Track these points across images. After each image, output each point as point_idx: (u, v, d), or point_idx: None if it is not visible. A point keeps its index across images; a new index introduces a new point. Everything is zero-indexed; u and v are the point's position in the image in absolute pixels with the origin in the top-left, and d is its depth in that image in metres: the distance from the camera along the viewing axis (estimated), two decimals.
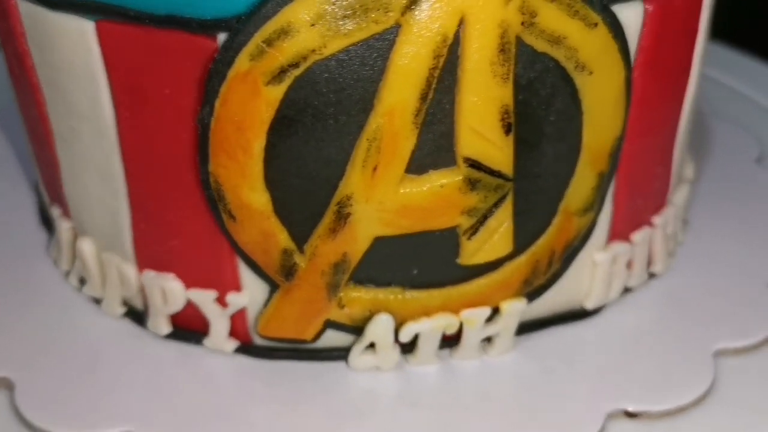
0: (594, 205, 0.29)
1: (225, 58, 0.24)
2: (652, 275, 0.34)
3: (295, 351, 0.30)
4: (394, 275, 0.28)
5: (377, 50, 0.24)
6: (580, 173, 0.28)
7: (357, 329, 0.29)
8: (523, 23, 0.24)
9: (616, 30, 0.26)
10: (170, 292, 0.30)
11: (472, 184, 0.26)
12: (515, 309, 0.29)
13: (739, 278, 0.34)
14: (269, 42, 0.23)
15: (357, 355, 0.29)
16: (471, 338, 0.29)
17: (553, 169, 0.28)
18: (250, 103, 0.24)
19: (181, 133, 0.26)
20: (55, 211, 0.33)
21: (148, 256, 0.30)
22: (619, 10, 0.26)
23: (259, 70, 0.24)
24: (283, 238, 0.27)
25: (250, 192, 0.26)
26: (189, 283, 0.30)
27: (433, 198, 0.26)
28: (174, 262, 0.29)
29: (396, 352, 0.29)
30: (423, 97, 0.24)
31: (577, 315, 0.32)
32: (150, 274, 0.30)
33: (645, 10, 0.27)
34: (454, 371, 0.30)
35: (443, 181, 0.26)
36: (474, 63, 0.24)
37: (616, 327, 0.32)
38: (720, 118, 0.45)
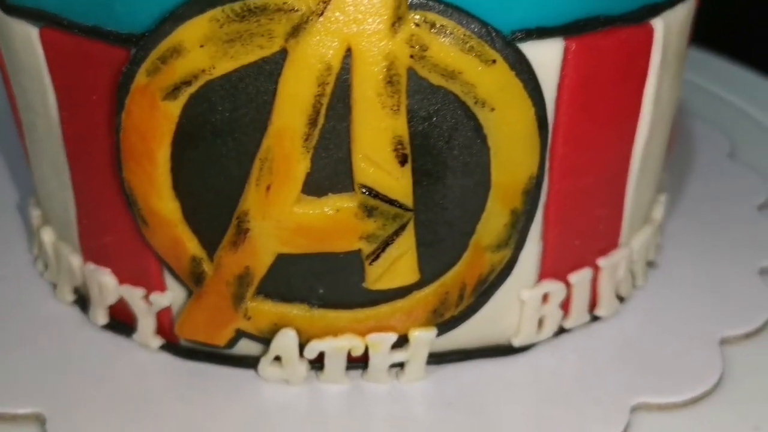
0: (509, 242, 0.28)
1: (129, 72, 0.25)
2: (596, 318, 0.33)
3: (214, 355, 0.31)
4: (301, 292, 0.29)
5: (266, 74, 0.24)
6: (490, 209, 0.28)
7: (267, 340, 0.30)
8: (412, 56, 0.24)
9: (520, 68, 0.25)
10: (105, 285, 0.31)
11: (368, 211, 0.26)
12: (423, 338, 0.29)
13: (690, 332, 0.33)
14: (163, 59, 0.24)
15: (265, 367, 0.30)
16: (378, 362, 0.30)
17: (460, 203, 0.27)
18: (150, 116, 0.25)
19: (105, 138, 0.28)
20: (31, 200, 0.36)
21: (90, 249, 0.32)
22: (530, 47, 0.26)
23: (156, 85, 0.25)
24: (192, 245, 0.28)
25: (158, 200, 0.27)
26: (122, 279, 0.31)
27: (330, 221, 0.27)
28: (109, 258, 0.31)
29: (303, 367, 0.30)
30: (311, 123, 0.25)
31: (504, 351, 0.31)
32: (90, 267, 0.32)
33: (566, 48, 0.27)
34: (364, 393, 0.30)
35: (340, 205, 0.26)
36: (362, 93, 0.24)
37: (539, 368, 0.31)
38: (692, 115, 0.48)
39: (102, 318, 0.32)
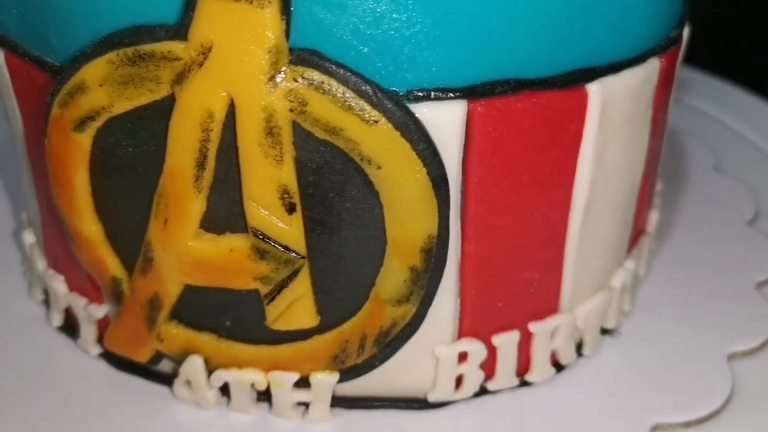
0: (411, 298, 0.28)
1: (50, 102, 0.27)
2: (526, 383, 0.32)
3: (142, 369, 0.32)
4: (210, 322, 0.29)
5: (159, 115, 0.25)
6: (388, 264, 0.27)
7: (180, 363, 0.31)
8: (292, 110, 0.24)
9: (406, 128, 0.25)
10: (56, 291, 0.34)
11: (261, 253, 0.27)
12: (324, 382, 0.29)
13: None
14: (71, 94, 0.26)
15: (178, 388, 0.31)
16: (281, 400, 0.30)
17: (357, 255, 0.27)
18: (64, 145, 0.27)
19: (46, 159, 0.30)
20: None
21: (50, 256, 0.34)
22: (426, 107, 0.25)
23: (66, 117, 0.26)
24: (113, 266, 0.30)
25: (79, 222, 0.29)
26: (71, 288, 0.33)
27: (225, 259, 0.27)
28: (63, 267, 0.33)
29: (212, 393, 0.31)
30: (199, 165, 0.26)
31: (419, 404, 0.31)
32: (49, 272, 0.34)
33: (470, 110, 0.26)
34: (269, 427, 0.31)
35: (236, 245, 0.27)
36: (244, 142, 0.25)
37: (450, 427, 0.31)
38: (679, 131, 0.48)
39: (57, 320, 0.34)
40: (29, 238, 0.36)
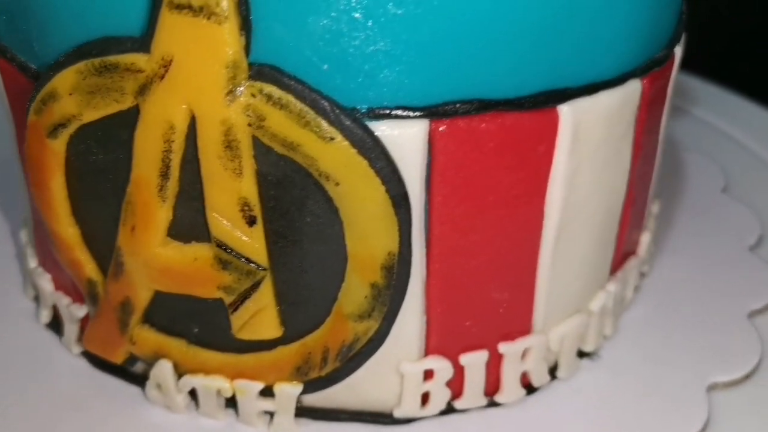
0: (372, 314, 0.28)
1: (27, 108, 0.28)
2: (496, 403, 0.32)
3: (118, 369, 0.33)
4: (180, 328, 0.30)
5: (126, 124, 0.26)
6: (349, 279, 0.27)
7: (153, 365, 0.31)
8: (250, 125, 0.25)
9: (364, 146, 0.25)
10: (44, 289, 0.34)
11: (223, 263, 0.27)
12: (287, 392, 0.30)
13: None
14: (44, 102, 0.27)
15: (150, 390, 0.31)
16: (246, 407, 0.30)
17: (319, 269, 0.28)
18: (39, 150, 0.28)
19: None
20: None
21: (40, 254, 0.35)
22: (386, 125, 0.25)
23: (41, 123, 0.27)
24: (89, 268, 0.30)
25: (56, 224, 0.30)
26: (56, 287, 0.34)
27: (190, 267, 0.28)
28: (50, 266, 0.34)
29: (181, 397, 0.31)
30: (163, 175, 0.26)
31: (385, 419, 0.31)
32: (39, 270, 0.35)
33: (431, 130, 0.26)
34: None
35: (199, 254, 0.27)
36: (204, 154, 0.25)
37: None
38: (687, 149, 0.48)
39: (45, 317, 0.35)
40: (24, 236, 0.37)
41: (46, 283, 0.34)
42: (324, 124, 0.25)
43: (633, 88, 0.29)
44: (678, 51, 0.33)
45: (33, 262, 0.36)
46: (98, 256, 0.30)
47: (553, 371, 0.33)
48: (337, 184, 0.26)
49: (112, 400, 0.32)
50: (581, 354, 0.34)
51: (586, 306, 0.33)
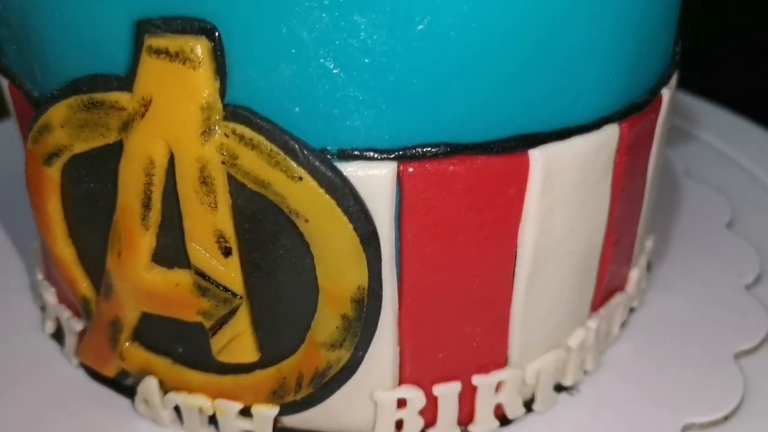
0: (344, 344, 0.29)
1: (27, 136, 0.30)
2: None
3: (114, 382, 0.35)
4: (166, 346, 0.31)
5: (113, 156, 0.27)
6: (321, 310, 0.29)
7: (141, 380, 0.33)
8: (224, 162, 0.26)
9: (331, 186, 0.26)
10: (47, 302, 0.36)
11: (202, 290, 0.29)
12: (263, 414, 0.31)
13: None
14: (40, 132, 0.28)
15: (138, 404, 0.33)
16: (226, 426, 0.32)
17: (293, 299, 0.29)
18: (37, 175, 0.30)
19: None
20: None
21: (45, 267, 0.37)
22: (354, 167, 0.26)
23: (38, 152, 0.29)
24: (84, 287, 0.32)
25: (54, 244, 0.31)
26: (60, 300, 0.36)
27: (172, 292, 0.29)
28: (53, 279, 0.36)
29: (166, 413, 0.32)
30: (145, 206, 0.28)
31: None
32: (44, 283, 0.37)
33: (400, 171, 0.27)
34: None
35: (180, 280, 0.29)
36: (182, 188, 0.27)
37: None
38: (693, 177, 0.47)
39: (50, 327, 0.37)
40: (35, 247, 0.39)
41: (50, 296, 0.36)
42: (293, 164, 0.26)
43: (609, 132, 0.30)
44: (666, 93, 0.33)
45: (40, 275, 0.38)
46: (92, 276, 0.32)
47: (529, 404, 0.34)
48: (307, 220, 0.27)
49: (104, 411, 0.34)
50: (560, 388, 0.35)
51: (564, 342, 0.33)
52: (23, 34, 0.30)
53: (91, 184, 0.29)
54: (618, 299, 0.36)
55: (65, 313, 0.35)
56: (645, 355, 0.37)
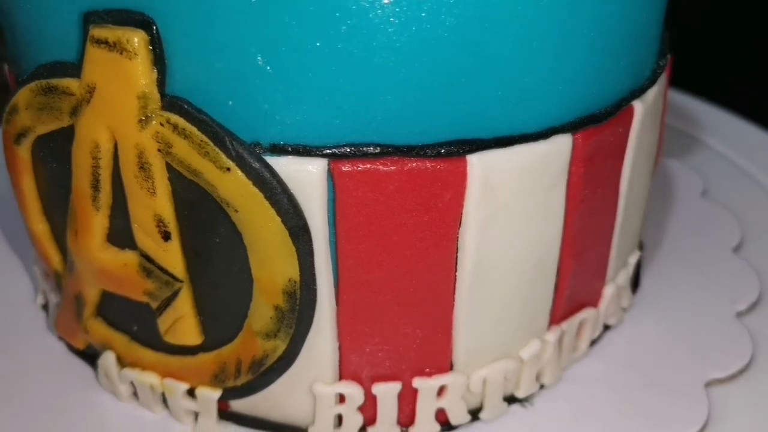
0: (278, 335, 0.30)
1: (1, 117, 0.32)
2: None
3: (86, 354, 0.36)
4: (122, 324, 0.33)
5: (69, 139, 0.29)
6: (256, 299, 0.29)
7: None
8: (159, 150, 0.27)
9: (258, 179, 0.27)
10: (37, 273, 0.38)
11: (146, 272, 0.30)
12: (206, 396, 0.32)
13: None
14: (10, 113, 0.30)
15: (101, 377, 0.35)
16: (174, 405, 0.33)
17: (231, 287, 0.29)
18: (11, 154, 0.31)
19: None
20: None
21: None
22: (284, 161, 0.27)
23: (9, 132, 0.31)
24: (56, 261, 0.34)
25: (29, 220, 0.33)
26: (45, 274, 0.38)
27: (120, 272, 0.30)
28: None
29: (124, 387, 0.34)
30: (94, 188, 0.29)
31: None
32: (36, 258, 0.39)
33: (331, 169, 0.27)
34: (168, 428, 0.34)
35: (128, 261, 0.30)
36: (124, 172, 0.28)
37: None
38: (709, 195, 0.48)
39: (40, 300, 0.39)
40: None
41: (39, 269, 0.38)
42: (222, 155, 0.27)
43: (560, 143, 0.29)
44: (639, 106, 0.32)
45: (39, 269, 0.40)
46: (63, 252, 0.34)
47: (476, 412, 0.33)
48: (236, 211, 0.28)
49: (72, 382, 0.36)
50: (513, 399, 0.34)
51: (515, 352, 0.33)
52: (5, 23, 0.32)
53: (54, 164, 0.30)
54: (586, 314, 0.35)
55: (48, 286, 0.38)
56: (610, 374, 0.36)
